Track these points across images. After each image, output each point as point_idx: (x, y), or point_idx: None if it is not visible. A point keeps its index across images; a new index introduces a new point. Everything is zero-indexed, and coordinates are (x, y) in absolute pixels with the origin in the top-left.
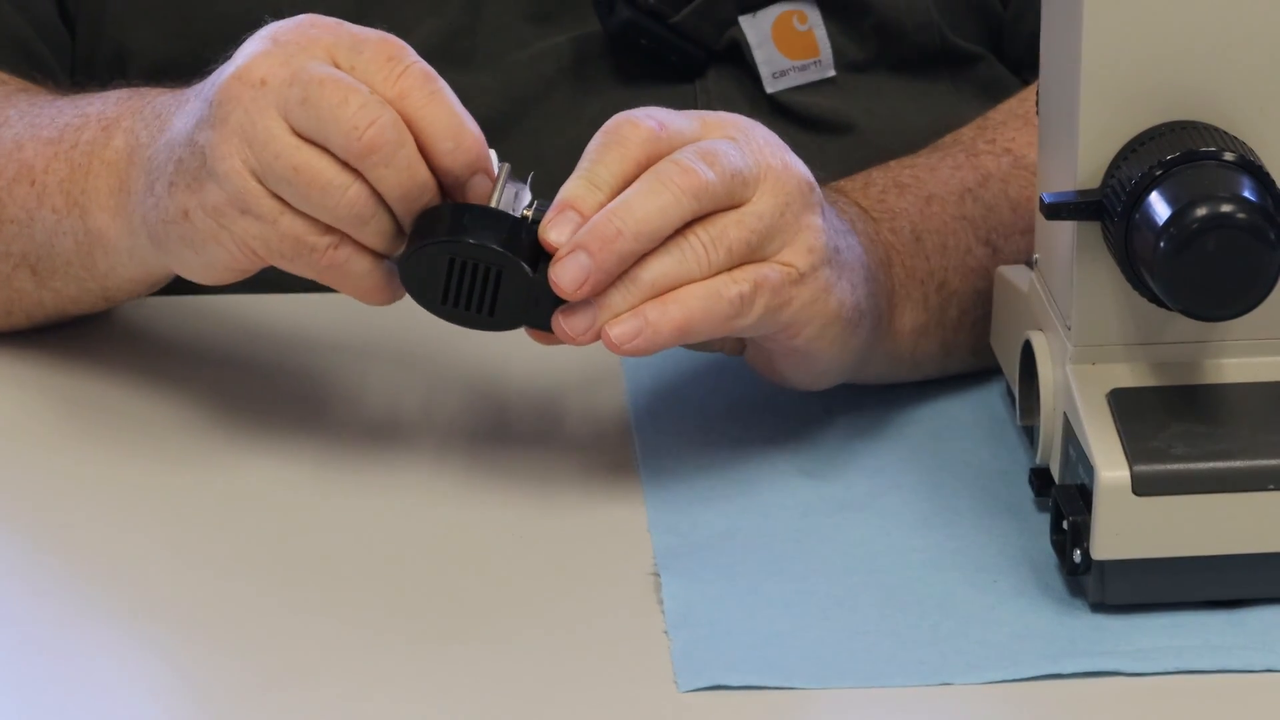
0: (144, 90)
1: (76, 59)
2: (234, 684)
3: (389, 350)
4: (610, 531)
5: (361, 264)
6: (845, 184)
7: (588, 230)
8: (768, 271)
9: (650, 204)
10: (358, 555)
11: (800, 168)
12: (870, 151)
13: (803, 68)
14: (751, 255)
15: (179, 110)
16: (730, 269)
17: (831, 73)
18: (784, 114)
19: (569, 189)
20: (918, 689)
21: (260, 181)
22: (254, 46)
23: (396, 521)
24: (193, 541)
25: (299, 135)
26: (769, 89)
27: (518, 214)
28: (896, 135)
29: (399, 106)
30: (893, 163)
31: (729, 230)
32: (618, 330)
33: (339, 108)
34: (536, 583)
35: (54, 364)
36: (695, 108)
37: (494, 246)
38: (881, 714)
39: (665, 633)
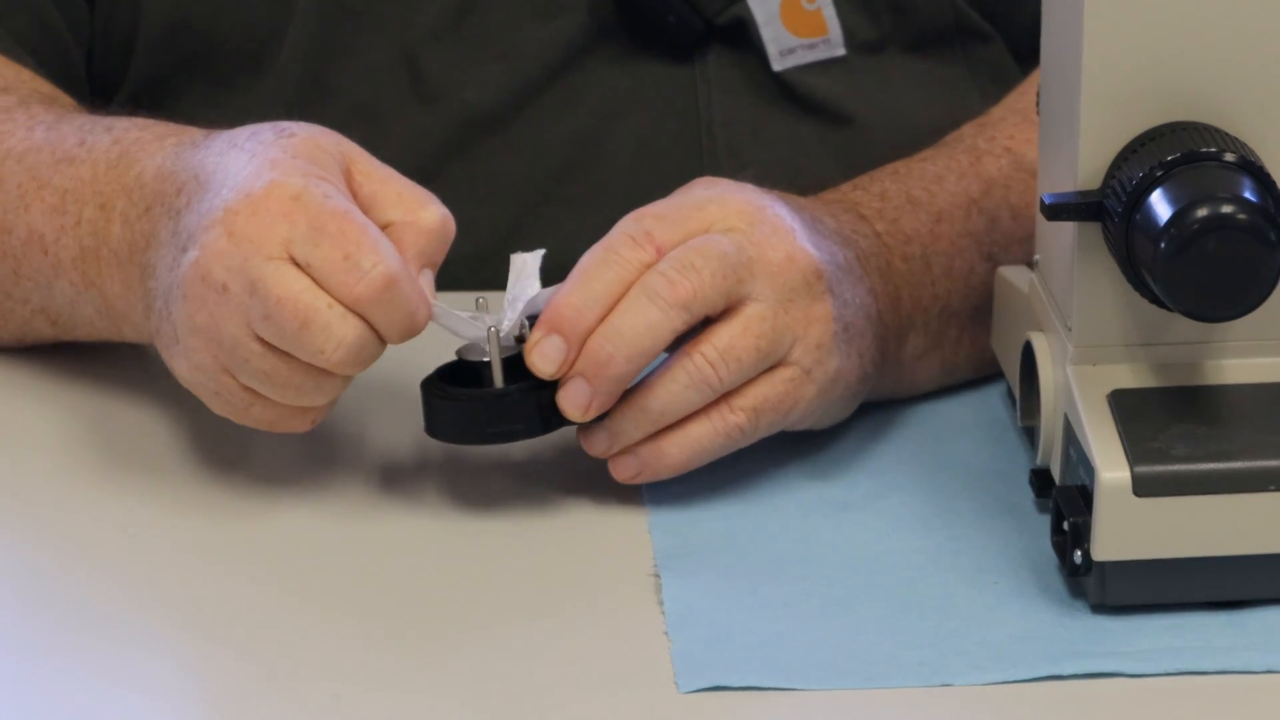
0: (127, 147)
1: (93, 27)
2: (236, 683)
3: (386, 353)
4: (610, 531)
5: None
6: (862, 199)
7: (584, 356)
8: (767, 391)
9: (638, 323)
10: (358, 555)
11: (807, 255)
12: (872, 145)
13: (811, 45)
14: (763, 361)
15: (165, 217)
16: (740, 385)
17: (841, 51)
18: (788, 97)
19: (559, 308)
20: (918, 690)
21: (233, 377)
22: (213, 232)
23: (396, 521)
24: (194, 543)
25: (265, 343)
26: (776, 66)
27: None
28: (899, 129)
29: (357, 310)
30: (901, 167)
31: (736, 341)
32: (619, 468)
33: (300, 331)
34: (537, 583)
35: (62, 374)
36: (694, 91)
37: (518, 436)
38: (881, 715)
39: (665, 633)
